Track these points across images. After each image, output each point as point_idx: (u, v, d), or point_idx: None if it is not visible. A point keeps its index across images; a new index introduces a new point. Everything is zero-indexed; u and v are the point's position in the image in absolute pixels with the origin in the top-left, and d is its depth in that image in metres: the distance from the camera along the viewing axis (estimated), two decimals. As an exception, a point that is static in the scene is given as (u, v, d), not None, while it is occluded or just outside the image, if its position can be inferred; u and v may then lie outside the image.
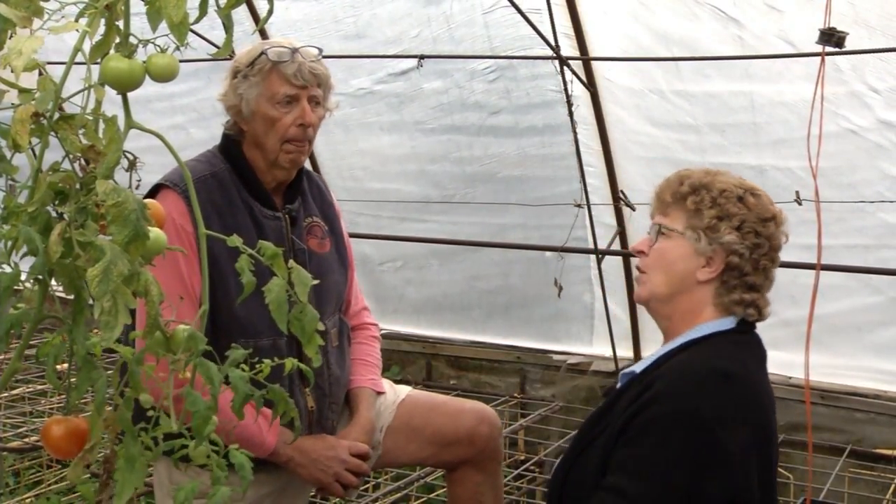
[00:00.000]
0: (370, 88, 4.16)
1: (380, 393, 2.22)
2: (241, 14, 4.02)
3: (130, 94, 0.92)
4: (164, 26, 0.89)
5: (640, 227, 3.79)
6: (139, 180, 0.96)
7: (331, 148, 4.37)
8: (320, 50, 2.06)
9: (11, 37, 0.85)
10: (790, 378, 3.50)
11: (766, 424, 1.62)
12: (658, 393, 1.58)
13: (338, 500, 2.96)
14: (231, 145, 2.06)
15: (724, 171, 1.72)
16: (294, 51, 1.99)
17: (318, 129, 2.07)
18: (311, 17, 4.07)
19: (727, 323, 1.66)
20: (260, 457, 1.93)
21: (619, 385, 1.76)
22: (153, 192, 1.98)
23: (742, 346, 1.65)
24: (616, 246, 3.87)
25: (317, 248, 2.12)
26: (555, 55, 3.44)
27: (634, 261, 1.80)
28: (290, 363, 1.16)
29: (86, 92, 0.89)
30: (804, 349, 2.08)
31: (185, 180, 1.99)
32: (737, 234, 1.63)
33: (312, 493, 2.35)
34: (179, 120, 4.61)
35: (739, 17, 3.28)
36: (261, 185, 2.04)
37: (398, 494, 3.18)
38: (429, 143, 4.22)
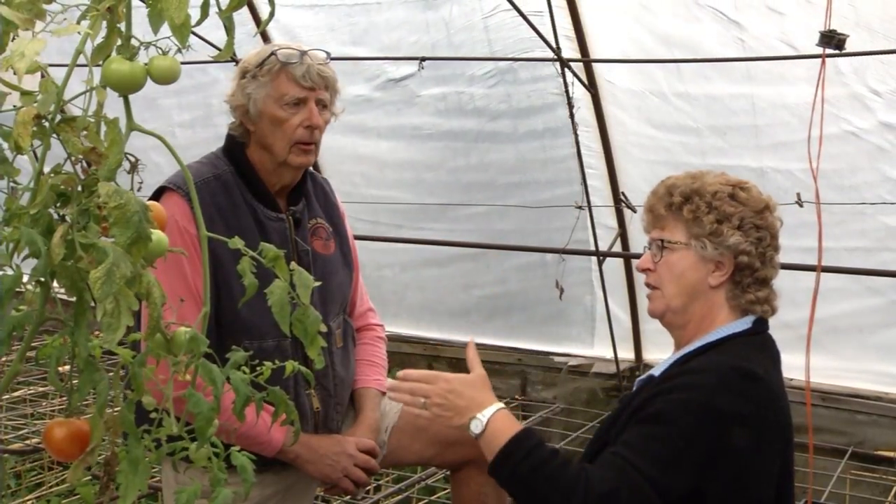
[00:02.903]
0: (368, 96, 4.16)
1: (385, 393, 2.23)
2: (243, 16, 4.02)
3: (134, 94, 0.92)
4: (165, 29, 0.89)
5: (640, 228, 3.78)
6: (141, 182, 0.96)
7: (330, 153, 4.37)
8: (328, 53, 2.07)
9: (14, 39, 0.85)
10: (791, 380, 3.49)
11: (784, 425, 1.62)
12: (676, 384, 1.59)
13: (340, 502, 2.96)
14: (235, 147, 2.07)
15: (706, 172, 1.72)
16: (303, 53, 2.00)
17: (324, 132, 2.07)
18: (310, 25, 4.08)
19: (743, 324, 1.66)
20: (267, 455, 1.93)
21: (634, 389, 1.76)
22: (157, 195, 1.98)
23: (758, 347, 1.65)
24: (617, 248, 3.87)
25: (321, 249, 2.13)
26: (556, 57, 3.44)
27: (637, 262, 1.80)
28: (291, 365, 1.16)
29: (87, 94, 0.89)
30: (805, 351, 2.08)
31: (199, 182, 2.02)
32: (740, 234, 1.63)
33: (317, 496, 2.35)
34: (186, 118, 4.62)
35: (740, 20, 3.29)
36: (264, 187, 2.05)
37: (399, 496, 3.18)
38: (426, 149, 4.22)
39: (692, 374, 1.59)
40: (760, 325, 1.67)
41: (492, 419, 1.61)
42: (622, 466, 1.50)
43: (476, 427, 1.62)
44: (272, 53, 2.00)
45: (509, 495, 1.64)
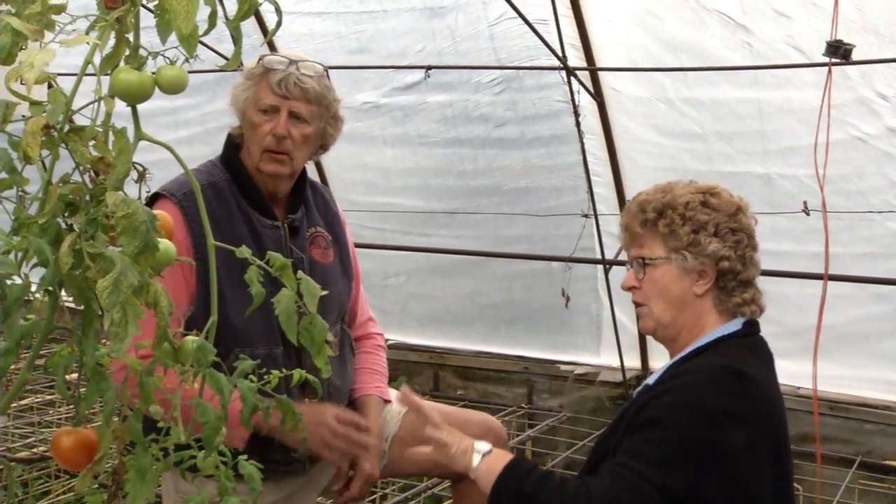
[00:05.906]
0: (375, 102, 4.17)
1: (386, 401, 2.22)
2: (248, 26, 4.04)
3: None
4: (173, 38, 0.89)
5: (646, 236, 3.78)
6: (148, 192, 0.97)
7: (336, 161, 4.37)
8: (324, 67, 2.06)
9: (23, 49, 0.85)
10: (798, 388, 3.49)
11: (774, 425, 1.62)
12: (667, 388, 1.61)
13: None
14: (231, 151, 2.08)
15: (674, 183, 1.74)
16: (291, 62, 2.00)
17: (305, 146, 2.03)
18: (316, 32, 4.09)
19: (732, 326, 1.67)
20: (238, 446, 1.90)
21: (632, 399, 1.77)
22: (150, 202, 1.98)
23: (749, 348, 1.66)
24: (623, 256, 3.85)
25: (320, 257, 2.12)
26: (562, 66, 3.45)
27: (621, 282, 1.81)
28: (298, 374, 1.16)
29: (96, 104, 0.90)
30: (812, 359, 2.07)
31: (193, 189, 1.99)
32: (718, 240, 1.65)
33: (318, 501, 2.35)
34: (183, 134, 4.63)
35: (748, 24, 3.28)
36: (260, 193, 2.05)
37: (405, 505, 3.16)
38: (433, 156, 4.22)
39: (682, 376, 1.62)
40: (751, 327, 1.69)
41: (488, 451, 1.68)
42: (621, 472, 1.52)
43: (476, 459, 1.68)
44: (261, 58, 2.03)
45: None
